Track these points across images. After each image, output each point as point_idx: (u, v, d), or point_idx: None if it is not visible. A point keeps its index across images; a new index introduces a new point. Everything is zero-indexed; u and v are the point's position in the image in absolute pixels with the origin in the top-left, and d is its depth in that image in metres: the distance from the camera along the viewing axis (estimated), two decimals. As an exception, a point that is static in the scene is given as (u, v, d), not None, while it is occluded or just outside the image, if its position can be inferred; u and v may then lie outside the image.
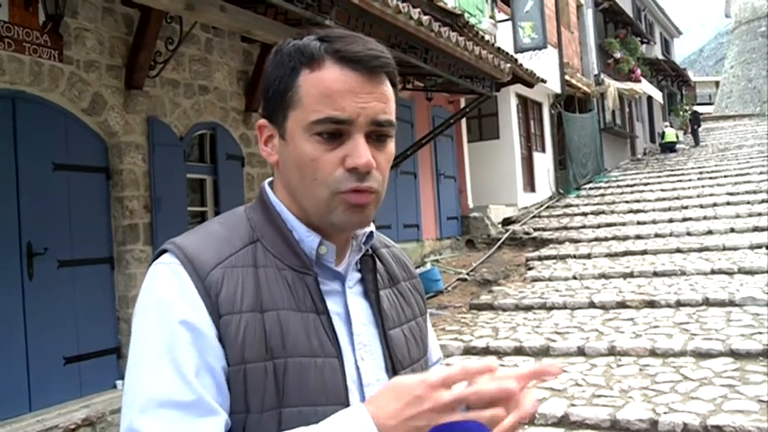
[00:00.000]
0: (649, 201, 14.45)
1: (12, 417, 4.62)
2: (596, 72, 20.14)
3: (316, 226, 1.01)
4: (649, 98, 26.97)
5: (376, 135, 0.98)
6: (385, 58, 0.99)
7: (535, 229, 12.73)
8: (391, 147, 1.02)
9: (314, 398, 0.93)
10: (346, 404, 0.95)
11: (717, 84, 45.96)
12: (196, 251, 0.96)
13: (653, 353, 5.72)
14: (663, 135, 25.42)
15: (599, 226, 12.70)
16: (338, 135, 0.96)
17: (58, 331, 5.02)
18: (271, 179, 1.10)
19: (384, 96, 0.98)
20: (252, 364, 0.91)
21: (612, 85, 20.03)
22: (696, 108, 30.86)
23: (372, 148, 0.97)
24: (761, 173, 15.05)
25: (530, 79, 12.25)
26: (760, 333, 5.78)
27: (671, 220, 12.26)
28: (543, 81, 13.06)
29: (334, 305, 1.01)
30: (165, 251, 0.98)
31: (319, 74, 0.96)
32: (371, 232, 1.08)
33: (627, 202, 14.73)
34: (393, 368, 1.04)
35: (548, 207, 15.01)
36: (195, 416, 0.86)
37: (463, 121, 12.39)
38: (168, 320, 0.90)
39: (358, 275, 1.08)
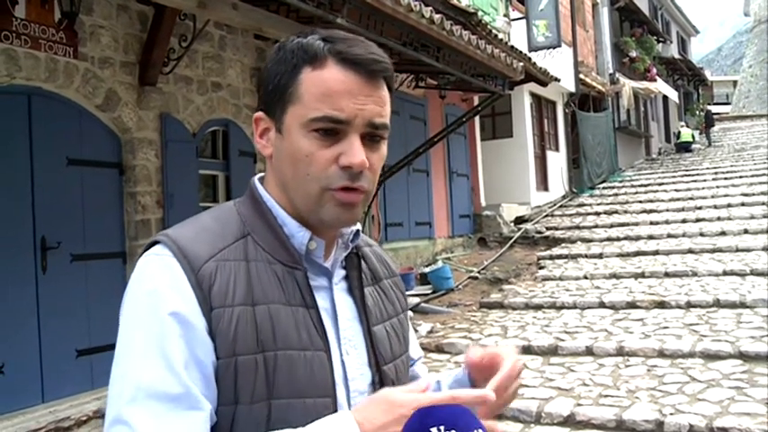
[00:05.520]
0: (663, 201, 14.36)
1: (25, 407, 4.70)
2: (611, 71, 20.04)
3: (305, 221, 1.03)
4: (665, 97, 26.77)
5: (370, 136, 1.00)
6: (385, 63, 1.01)
7: (547, 228, 12.69)
8: (384, 149, 1.04)
9: (303, 390, 0.95)
10: (334, 397, 0.98)
11: (735, 83, 45.47)
12: (189, 244, 0.97)
13: (661, 353, 5.70)
14: (678, 135, 25.24)
15: (612, 226, 12.64)
16: (335, 133, 0.98)
17: (71, 324, 5.09)
18: (260, 175, 1.13)
19: (381, 100, 1.01)
20: (242, 356, 0.92)
21: (627, 84, 19.92)
22: (710, 108, 30.54)
23: (366, 149, 0.99)
24: (777, 173, 14.93)
25: (543, 78, 12.23)
26: (770, 335, 5.76)
27: (684, 221, 12.19)
28: (557, 80, 13.02)
29: (321, 300, 1.03)
30: (156, 242, 0.99)
31: (321, 73, 0.98)
32: (358, 231, 1.10)
33: (640, 201, 14.65)
34: (376, 363, 1.06)
35: (561, 206, 14.97)
36: (183, 408, 0.87)
37: (476, 118, 12.36)
38: (158, 312, 0.91)
39: (343, 272, 1.10)
